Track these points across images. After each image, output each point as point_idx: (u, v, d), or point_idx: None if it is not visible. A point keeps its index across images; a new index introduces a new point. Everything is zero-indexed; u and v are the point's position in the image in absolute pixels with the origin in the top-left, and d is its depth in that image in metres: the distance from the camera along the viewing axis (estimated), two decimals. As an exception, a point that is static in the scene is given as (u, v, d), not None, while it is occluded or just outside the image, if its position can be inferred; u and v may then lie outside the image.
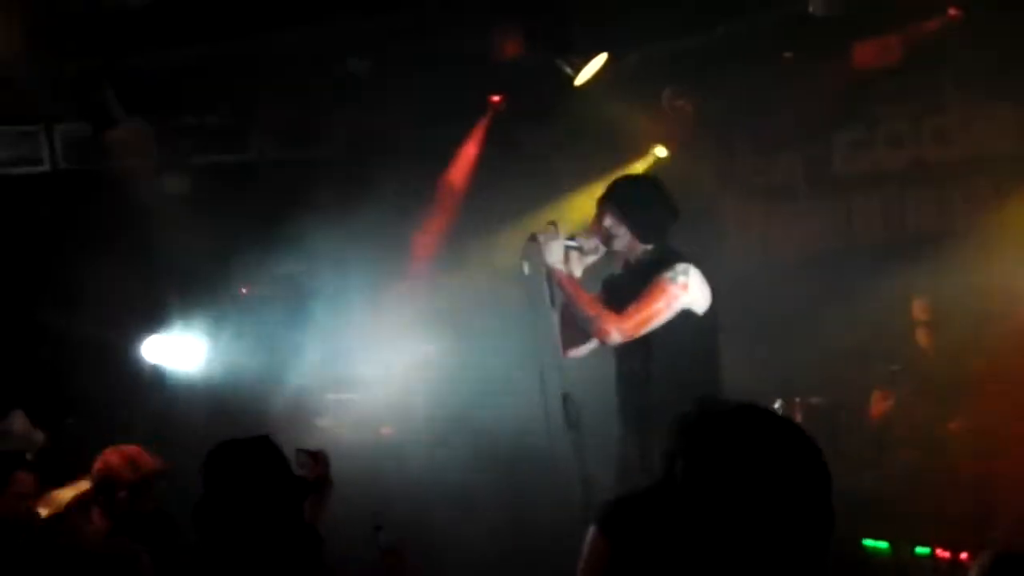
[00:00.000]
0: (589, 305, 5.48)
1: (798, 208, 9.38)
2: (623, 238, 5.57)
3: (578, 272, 5.61)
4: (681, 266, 5.40)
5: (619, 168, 8.63)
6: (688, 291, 5.38)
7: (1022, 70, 7.74)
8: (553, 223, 5.61)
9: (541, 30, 8.22)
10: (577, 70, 8.39)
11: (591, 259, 5.68)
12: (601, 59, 8.41)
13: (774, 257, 9.41)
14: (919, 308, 7.92)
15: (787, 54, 8.68)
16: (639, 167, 8.86)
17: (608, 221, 5.59)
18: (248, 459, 3.89)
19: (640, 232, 5.55)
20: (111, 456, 5.48)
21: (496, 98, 9.27)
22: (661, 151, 9.17)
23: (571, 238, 5.59)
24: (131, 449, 5.55)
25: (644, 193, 5.70)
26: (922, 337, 7.92)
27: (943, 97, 8.62)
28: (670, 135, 9.16)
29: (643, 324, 5.37)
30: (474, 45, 8.27)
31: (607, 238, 5.61)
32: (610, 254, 5.68)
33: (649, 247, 5.57)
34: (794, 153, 9.34)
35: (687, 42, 8.60)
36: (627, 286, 5.52)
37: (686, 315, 5.38)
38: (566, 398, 5.44)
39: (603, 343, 5.52)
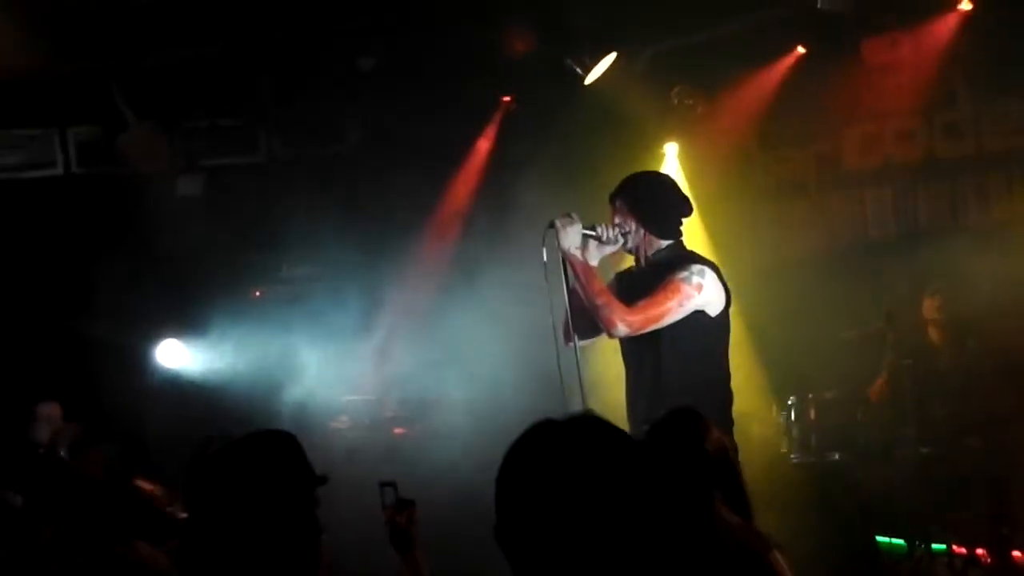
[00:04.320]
0: (600, 294, 5.45)
1: (809, 204, 9.36)
2: (635, 234, 5.57)
3: (594, 261, 5.58)
4: (696, 267, 5.38)
5: (630, 166, 8.65)
6: (702, 292, 5.36)
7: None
8: (570, 213, 5.61)
9: (551, 28, 8.23)
10: (587, 69, 8.40)
11: (609, 249, 5.65)
12: (610, 58, 8.41)
13: (786, 253, 9.39)
14: (929, 306, 7.91)
15: (797, 50, 8.67)
16: (650, 165, 8.85)
17: (618, 217, 5.59)
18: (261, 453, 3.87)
19: (651, 227, 5.55)
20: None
21: (507, 98, 9.27)
22: (671, 148, 9.16)
23: (590, 227, 5.58)
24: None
25: (654, 189, 5.70)
26: (933, 333, 7.91)
27: (953, 92, 8.59)
28: (680, 132, 9.16)
29: (651, 321, 5.35)
30: (484, 43, 8.28)
31: (621, 234, 5.61)
32: (627, 249, 5.67)
33: (663, 245, 5.55)
34: (805, 149, 9.31)
35: (697, 39, 8.60)
36: (641, 283, 5.51)
37: (699, 316, 5.37)
38: (584, 387, 5.45)
39: (609, 334, 5.50)
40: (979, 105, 8.48)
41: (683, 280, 5.33)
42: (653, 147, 9.10)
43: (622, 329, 5.37)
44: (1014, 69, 7.95)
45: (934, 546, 7.28)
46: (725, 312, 5.44)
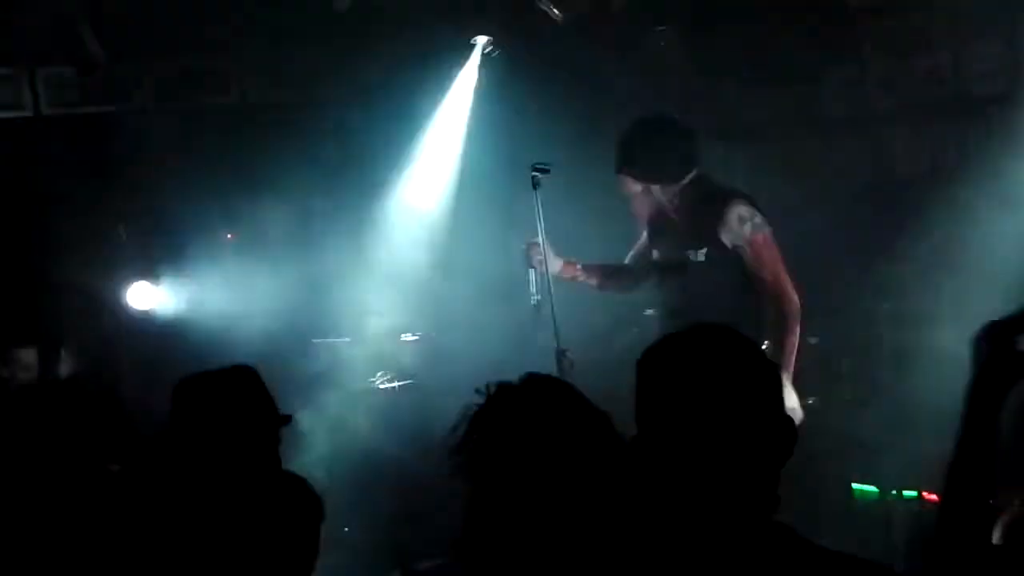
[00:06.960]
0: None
1: (786, 149, 9.31)
2: (651, 193, 5.53)
3: None
4: (744, 209, 5.40)
5: (608, 111, 8.58)
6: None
7: (1013, 10, 7.67)
8: (528, 246, 5.59)
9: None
10: (563, 10, 8.30)
11: None
12: (587, -1, 8.32)
13: (762, 198, 9.33)
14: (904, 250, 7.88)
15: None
16: (630, 110, 8.78)
17: (626, 186, 5.58)
18: (221, 389, 3.87)
19: (654, 179, 5.51)
20: None
21: (482, 38, 9.15)
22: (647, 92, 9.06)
23: (542, 166, 5.56)
24: None
25: (644, 138, 5.68)
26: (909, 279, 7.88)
27: (934, 37, 8.52)
28: (657, 76, 9.07)
29: (783, 276, 5.41)
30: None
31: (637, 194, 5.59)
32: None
33: (685, 181, 5.50)
34: (783, 93, 9.24)
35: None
36: (688, 228, 5.48)
37: (736, 250, 5.39)
38: (562, 354, 5.44)
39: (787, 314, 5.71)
40: (960, 50, 8.42)
41: (758, 228, 5.32)
42: (629, 91, 8.99)
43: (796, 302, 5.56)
44: (993, 11, 7.90)
45: (905, 493, 7.29)
46: None
